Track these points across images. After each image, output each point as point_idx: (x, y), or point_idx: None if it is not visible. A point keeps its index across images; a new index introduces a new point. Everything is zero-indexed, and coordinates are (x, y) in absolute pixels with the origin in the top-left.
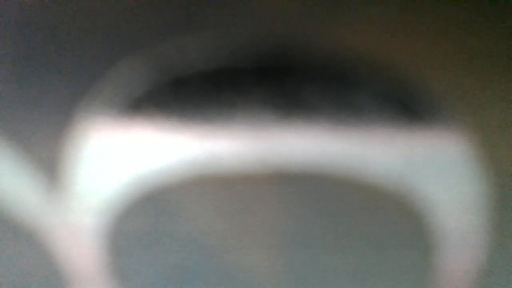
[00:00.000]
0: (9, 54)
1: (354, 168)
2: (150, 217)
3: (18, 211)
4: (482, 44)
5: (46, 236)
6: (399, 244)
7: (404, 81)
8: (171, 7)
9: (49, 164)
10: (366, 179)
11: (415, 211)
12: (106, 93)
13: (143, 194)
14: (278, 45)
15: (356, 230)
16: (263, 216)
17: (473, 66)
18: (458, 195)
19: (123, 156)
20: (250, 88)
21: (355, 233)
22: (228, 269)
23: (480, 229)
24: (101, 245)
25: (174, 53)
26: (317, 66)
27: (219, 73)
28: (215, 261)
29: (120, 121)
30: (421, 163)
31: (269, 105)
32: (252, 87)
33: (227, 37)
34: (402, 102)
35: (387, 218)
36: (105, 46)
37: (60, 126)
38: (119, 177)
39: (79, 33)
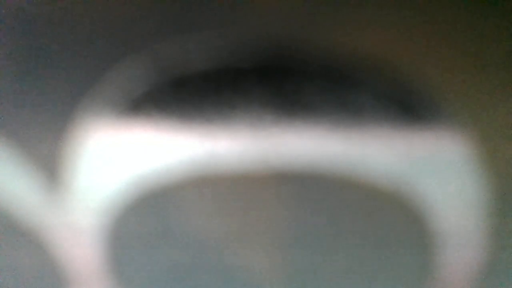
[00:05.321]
0: (9, 54)
1: (354, 168)
2: (150, 217)
3: (18, 211)
4: (482, 44)
5: (46, 236)
6: (399, 244)
7: (404, 81)
8: (171, 7)
9: (49, 164)
10: (366, 179)
11: (415, 211)
12: (106, 93)
13: (143, 194)
14: (278, 45)
15: (356, 230)
16: (263, 216)
17: (473, 66)
18: (458, 195)
19: (123, 156)
20: (250, 88)
21: (355, 233)
22: (229, 269)
23: (480, 229)
24: (101, 245)
25: (174, 53)
26: (317, 66)
27: (219, 73)
28: (215, 261)
29: (120, 121)
30: (421, 163)
31: (269, 105)
32: (252, 87)
33: (227, 37)
34: (402, 102)
35: (387, 218)
36: (105, 46)
37: (60, 126)
38: (119, 177)
39: (79, 33)
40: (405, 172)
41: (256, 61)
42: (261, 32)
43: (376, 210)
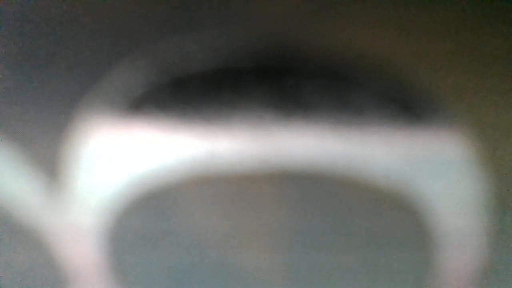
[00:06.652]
0: (9, 54)
1: (354, 168)
2: (150, 217)
3: (18, 211)
4: (482, 44)
5: (46, 236)
6: (399, 244)
7: (404, 81)
8: (171, 7)
9: (49, 164)
10: (366, 179)
11: (415, 211)
12: (106, 93)
13: (143, 194)
14: (278, 45)
15: (356, 230)
16: (263, 216)
17: (473, 66)
18: (458, 195)
19: (123, 156)
20: (250, 88)
21: (355, 233)
22: (229, 269)
23: (480, 229)
24: (101, 245)
25: (174, 53)
26: (317, 66)
27: (219, 73)
28: (215, 261)
29: (120, 121)
30: (421, 163)
31: (269, 105)
32: (252, 87)
33: (227, 37)
34: (402, 102)
35: (387, 218)
36: (105, 46)
37: (60, 126)
38: (119, 177)
39: (79, 33)
40: (405, 171)
41: (256, 61)
42: (261, 32)
43: (376, 209)
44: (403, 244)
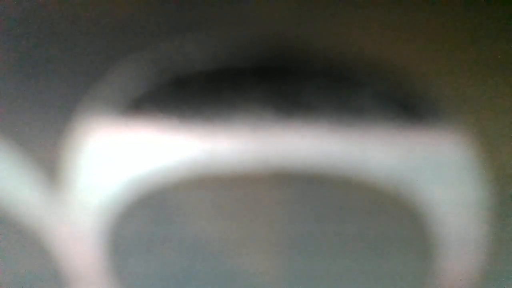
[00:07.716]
0: (9, 54)
1: (354, 168)
2: (150, 217)
3: (18, 211)
4: (482, 44)
5: (46, 236)
6: (399, 244)
7: (404, 81)
8: (171, 7)
9: (49, 164)
10: (366, 179)
11: (415, 211)
12: (106, 93)
13: (143, 194)
14: (278, 45)
15: (356, 230)
16: (263, 216)
17: (473, 66)
18: (458, 195)
19: (123, 156)
20: (250, 88)
21: (355, 233)
22: (228, 269)
23: (479, 229)
24: (101, 245)
25: (174, 53)
26: (317, 66)
27: (219, 73)
28: (215, 261)
29: (120, 121)
30: (421, 163)
31: (269, 105)
32: (252, 87)
33: (227, 37)
34: (402, 102)
35: (387, 218)
36: (105, 46)
37: (60, 126)
38: (119, 177)
39: (79, 33)
40: (405, 171)
41: (256, 61)
42: (261, 32)
43: (375, 209)
44: (403, 244)
